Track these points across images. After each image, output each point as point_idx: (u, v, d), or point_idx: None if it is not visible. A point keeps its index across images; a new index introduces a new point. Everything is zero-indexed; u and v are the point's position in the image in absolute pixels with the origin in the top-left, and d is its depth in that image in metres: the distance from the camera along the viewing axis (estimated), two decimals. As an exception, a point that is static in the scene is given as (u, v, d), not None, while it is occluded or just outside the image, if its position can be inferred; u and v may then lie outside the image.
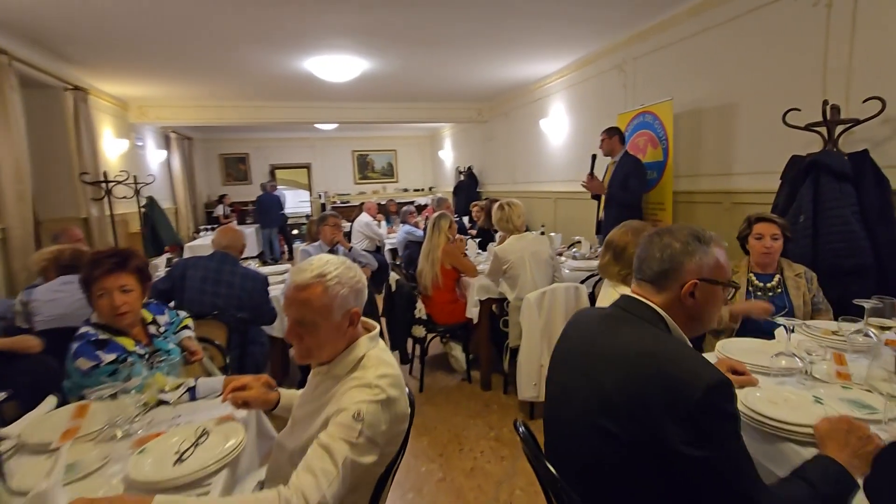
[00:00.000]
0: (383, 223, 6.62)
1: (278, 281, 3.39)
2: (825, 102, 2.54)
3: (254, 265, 4.05)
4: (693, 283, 1.03)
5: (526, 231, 3.13)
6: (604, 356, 1.01)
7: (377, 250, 6.44)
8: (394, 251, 6.06)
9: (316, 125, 8.88)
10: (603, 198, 4.06)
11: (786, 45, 3.10)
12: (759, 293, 2.20)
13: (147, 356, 1.69)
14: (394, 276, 3.34)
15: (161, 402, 1.51)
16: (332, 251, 3.59)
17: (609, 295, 1.94)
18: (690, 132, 3.88)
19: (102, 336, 1.63)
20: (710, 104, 3.71)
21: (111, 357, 1.58)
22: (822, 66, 2.89)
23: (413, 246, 5.43)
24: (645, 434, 0.88)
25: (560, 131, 5.93)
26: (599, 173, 4.02)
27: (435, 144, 11.59)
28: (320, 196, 11.00)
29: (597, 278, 3.12)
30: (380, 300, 3.65)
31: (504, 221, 3.04)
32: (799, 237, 2.56)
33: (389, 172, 11.91)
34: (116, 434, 1.31)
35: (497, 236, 4.34)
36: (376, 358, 1.20)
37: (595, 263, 3.46)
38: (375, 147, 11.70)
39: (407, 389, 1.23)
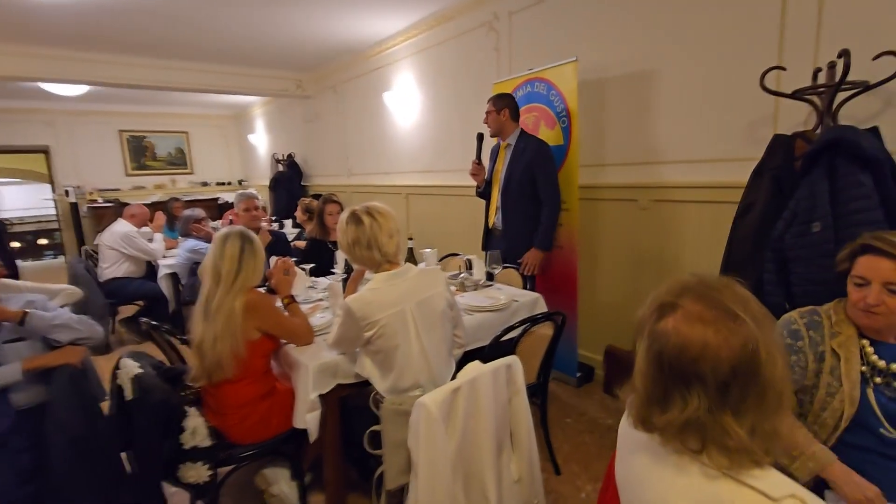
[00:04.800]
0: (159, 235, 4.42)
1: None
2: (846, 53, 1.72)
3: None
4: None
5: (406, 261, 1.71)
6: None
7: (149, 274, 4.26)
8: (174, 277, 4.00)
9: (46, 88, 5.87)
10: (496, 196, 2.88)
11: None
12: (883, 380, 1.20)
13: None
14: (131, 367, 1.58)
15: None
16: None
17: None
18: (591, 109, 2.96)
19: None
20: (617, 72, 2.82)
21: None
22: (778, 16, 2.14)
23: (204, 271, 3.52)
24: None
25: (410, 109, 4.64)
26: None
27: (243, 126, 9.24)
28: (68, 192, 7.73)
29: (520, 330, 1.89)
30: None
31: (363, 247, 1.57)
32: (814, 256, 1.72)
33: (180, 161, 9.10)
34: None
35: (338, 256, 2.83)
36: None
37: (502, 298, 2.24)
38: (156, 127, 8.76)
39: None
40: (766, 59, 2.17)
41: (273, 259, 2.22)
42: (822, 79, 1.91)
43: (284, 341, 1.85)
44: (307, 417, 1.66)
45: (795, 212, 1.79)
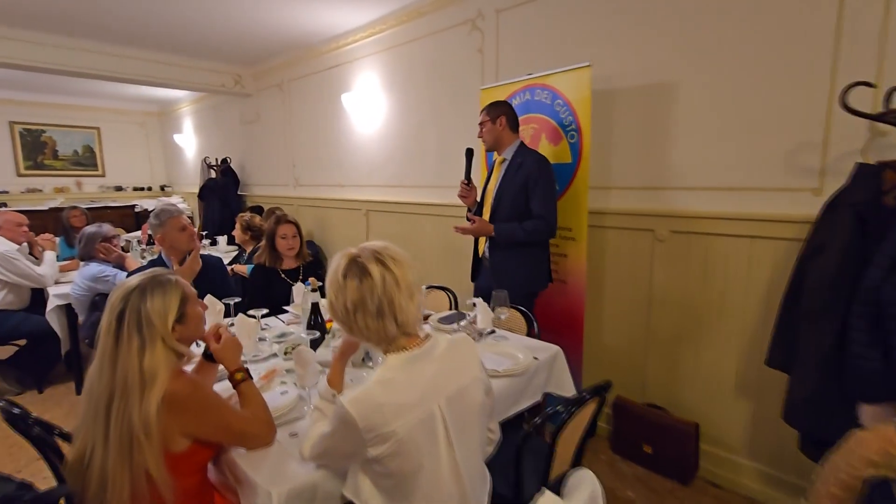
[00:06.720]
0: (51, 254, 3.49)
1: None
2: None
3: None
4: None
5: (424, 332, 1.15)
6: None
7: (35, 303, 3.35)
8: (68, 309, 3.12)
9: None
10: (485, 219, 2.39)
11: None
12: None
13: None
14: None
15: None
16: None
17: None
18: (597, 123, 2.58)
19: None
20: (629, 83, 2.46)
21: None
22: (832, 27, 1.86)
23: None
24: None
25: (374, 114, 4.08)
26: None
27: (168, 125, 8.16)
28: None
29: (570, 416, 1.40)
30: None
31: (370, 315, 1.01)
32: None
33: (89, 161, 7.84)
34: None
35: (295, 291, 2.23)
36: None
37: (520, 356, 1.75)
38: (58, 120, 7.47)
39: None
40: (813, 75, 1.89)
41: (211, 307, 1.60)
42: (900, 100, 1.63)
43: (231, 447, 1.23)
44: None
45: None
